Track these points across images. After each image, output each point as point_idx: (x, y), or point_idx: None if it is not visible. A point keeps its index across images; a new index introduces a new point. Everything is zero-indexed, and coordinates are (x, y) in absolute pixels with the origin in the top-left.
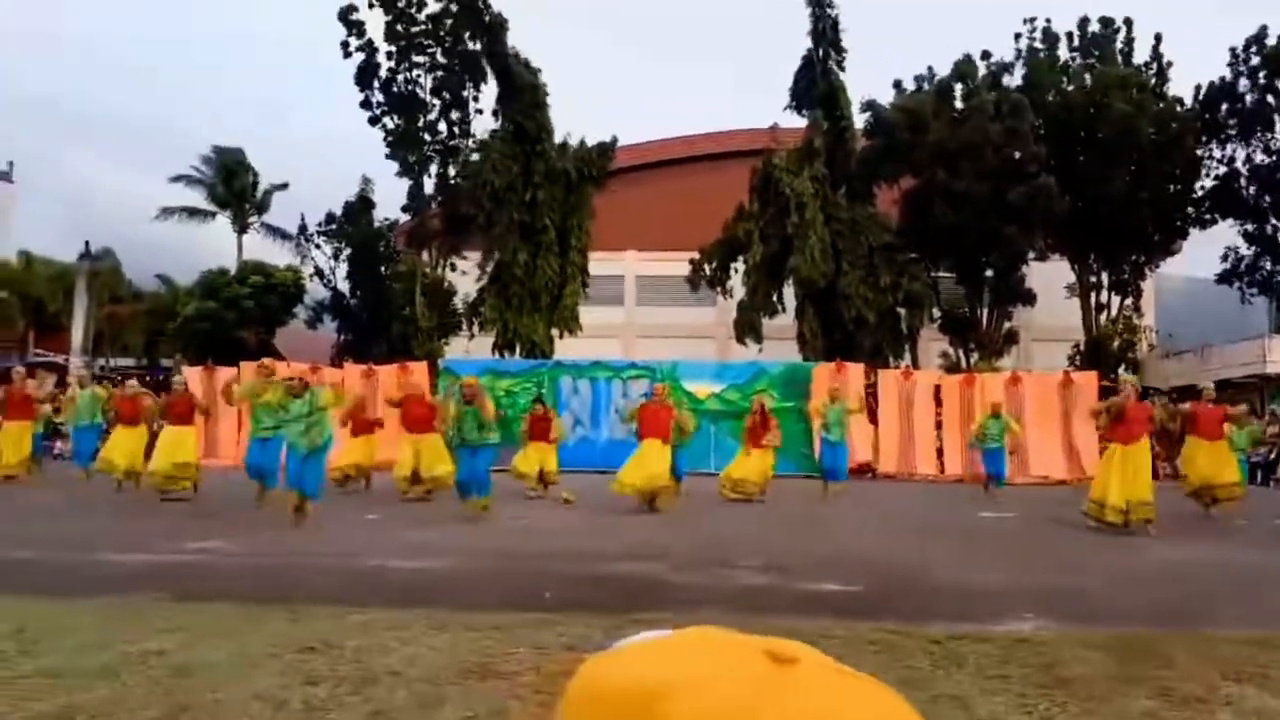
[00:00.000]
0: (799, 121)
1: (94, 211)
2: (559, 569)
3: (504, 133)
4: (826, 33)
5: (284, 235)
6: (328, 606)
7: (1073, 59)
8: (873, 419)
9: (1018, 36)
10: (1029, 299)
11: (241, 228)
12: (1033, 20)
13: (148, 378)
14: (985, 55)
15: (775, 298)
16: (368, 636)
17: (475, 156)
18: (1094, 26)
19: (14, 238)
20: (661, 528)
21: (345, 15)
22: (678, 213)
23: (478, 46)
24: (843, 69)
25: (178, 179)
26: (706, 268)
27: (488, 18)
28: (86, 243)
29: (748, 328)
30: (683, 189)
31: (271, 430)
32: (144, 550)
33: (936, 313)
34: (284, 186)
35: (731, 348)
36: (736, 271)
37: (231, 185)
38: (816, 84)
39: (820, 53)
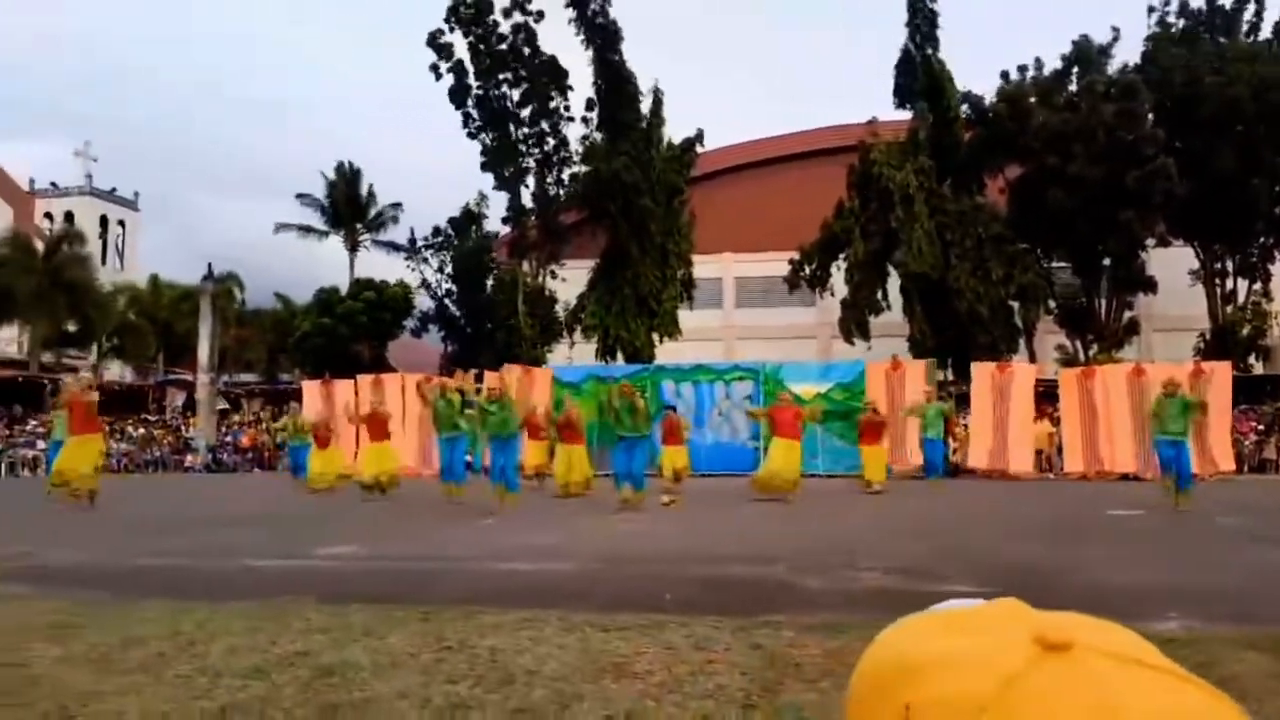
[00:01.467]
0: (895, 116)
1: (216, 236)
2: (678, 572)
3: (604, 141)
4: (922, 25)
5: (396, 247)
6: (459, 608)
7: (1199, 34)
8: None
9: (1150, 10)
10: (1150, 287)
11: (353, 246)
12: None
13: (269, 391)
14: (1115, 35)
15: (879, 295)
16: (501, 637)
17: (578, 165)
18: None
19: (141, 263)
20: (776, 529)
21: (433, 40)
22: (774, 213)
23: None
24: (939, 61)
25: (301, 196)
26: (806, 267)
27: (600, 21)
28: (209, 265)
29: (853, 326)
30: (778, 189)
31: (457, 431)
32: (282, 556)
33: (1052, 304)
34: (397, 206)
35: (834, 347)
36: (838, 269)
37: (346, 205)
38: (917, 77)
39: (918, 44)
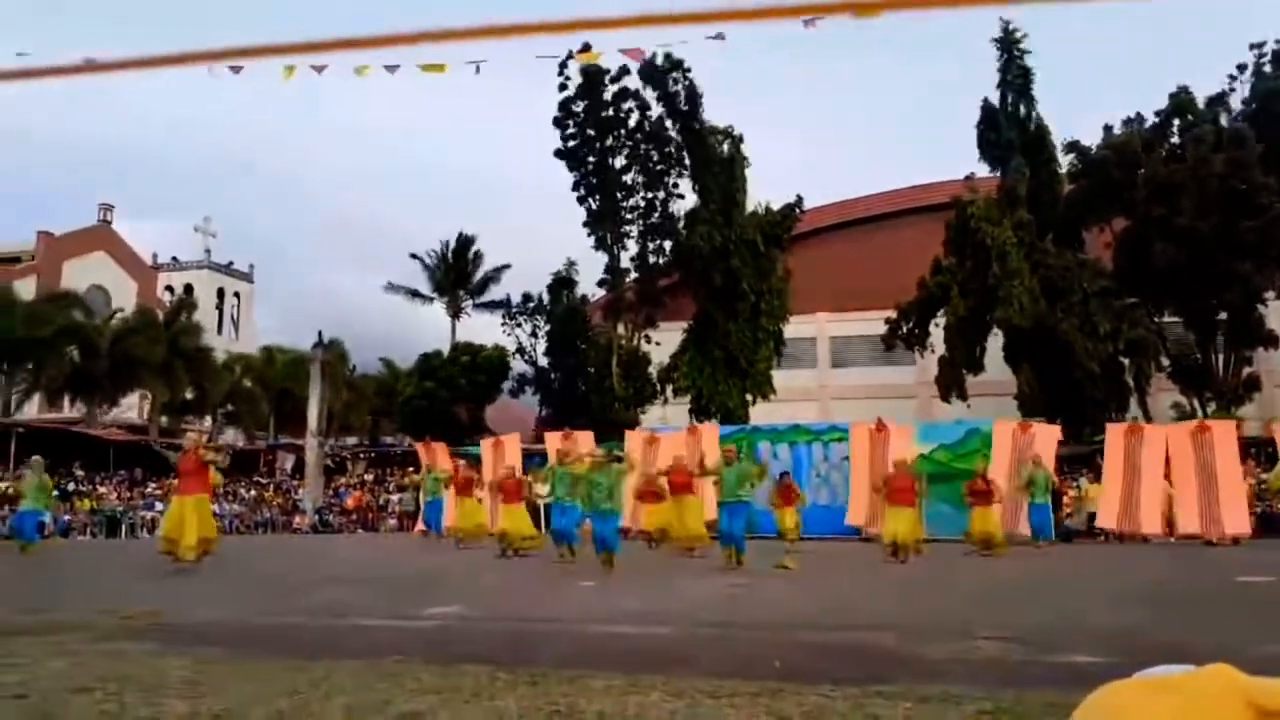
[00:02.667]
0: (989, 171)
1: (324, 304)
2: (786, 637)
3: (705, 207)
4: (1014, 81)
5: (495, 306)
6: (565, 671)
7: None
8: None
9: (1251, 60)
10: (1270, 341)
11: (455, 311)
12: (1260, 45)
13: (373, 454)
14: (1230, 83)
15: (979, 353)
16: (608, 701)
17: (681, 228)
18: None
19: (255, 331)
20: (886, 594)
21: (566, 107)
22: (867, 272)
23: (674, 125)
24: (1032, 116)
25: (414, 256)
26: (904, 325)
27: (676, 90)
28: (320, 333)
29: (952, 385)
30: (871, 247)
31: (571, 499)
32: (390, 616)
33: (1165, 361)
34: (503, 269)
35: (934, 407)
36: (936, 327)
37: (451, 271)
38: (1001, 131)
39: (1011, 100)
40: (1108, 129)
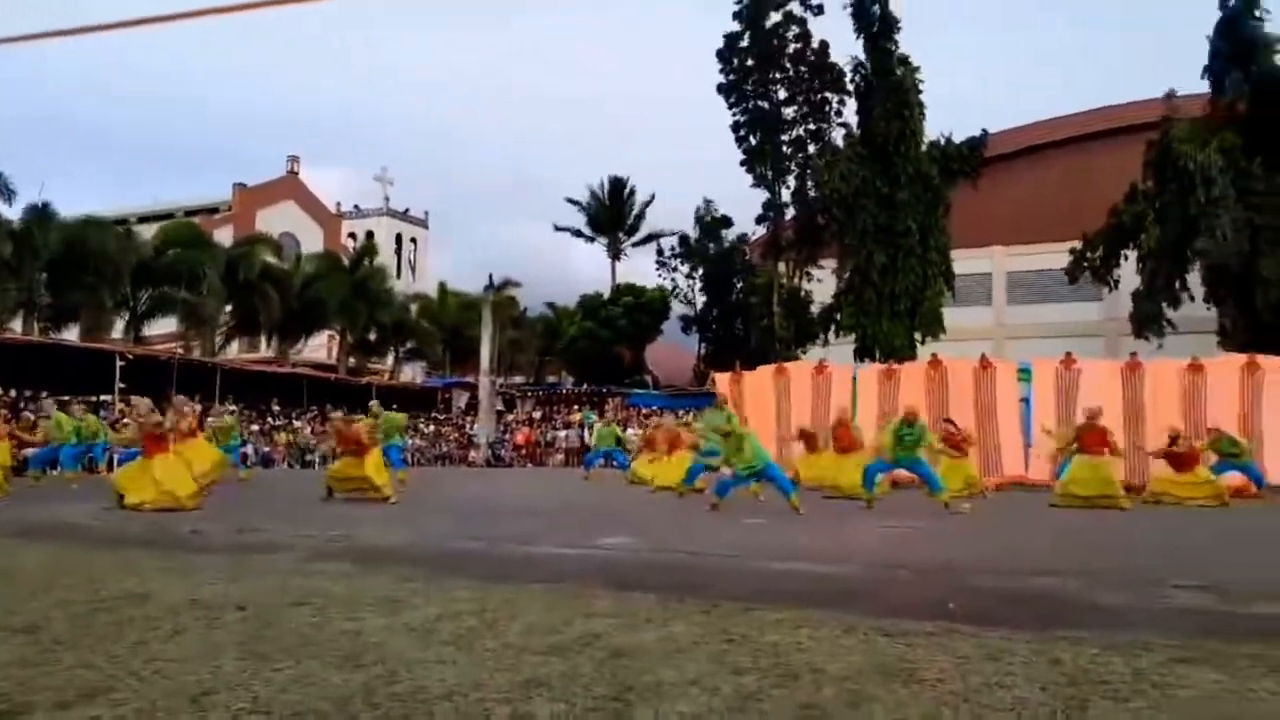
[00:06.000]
0: (1191, 89)
1: (494, 249)
2: (960, 580)
3: (853, 139)
4: None
5: (649, 239)
6: (737, 602)
7: None
8: None
9: None
10: None
11: (615, 254)
12: None
13: (540, 393)
14: None
15: (1179, 285)
16: (782, 634)
17: (826, 164)
18: None
19: (430, 275)
20: (1062, 541)
21: (729, 40)
22: (1049, 202)
23: (841, 55)
24: (1261, 18)
25: (571, 201)
26: (1089, 256)
27: (877, 11)
28: (490, 275)
29: (1148, 320)
30: (1054, 176)
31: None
32: (568, 545)
33: None
34: (650, 201)
35: (1122, 344)
36: (1125, 259)
37: (609, 211)
38: (1234, 41)
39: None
40: None
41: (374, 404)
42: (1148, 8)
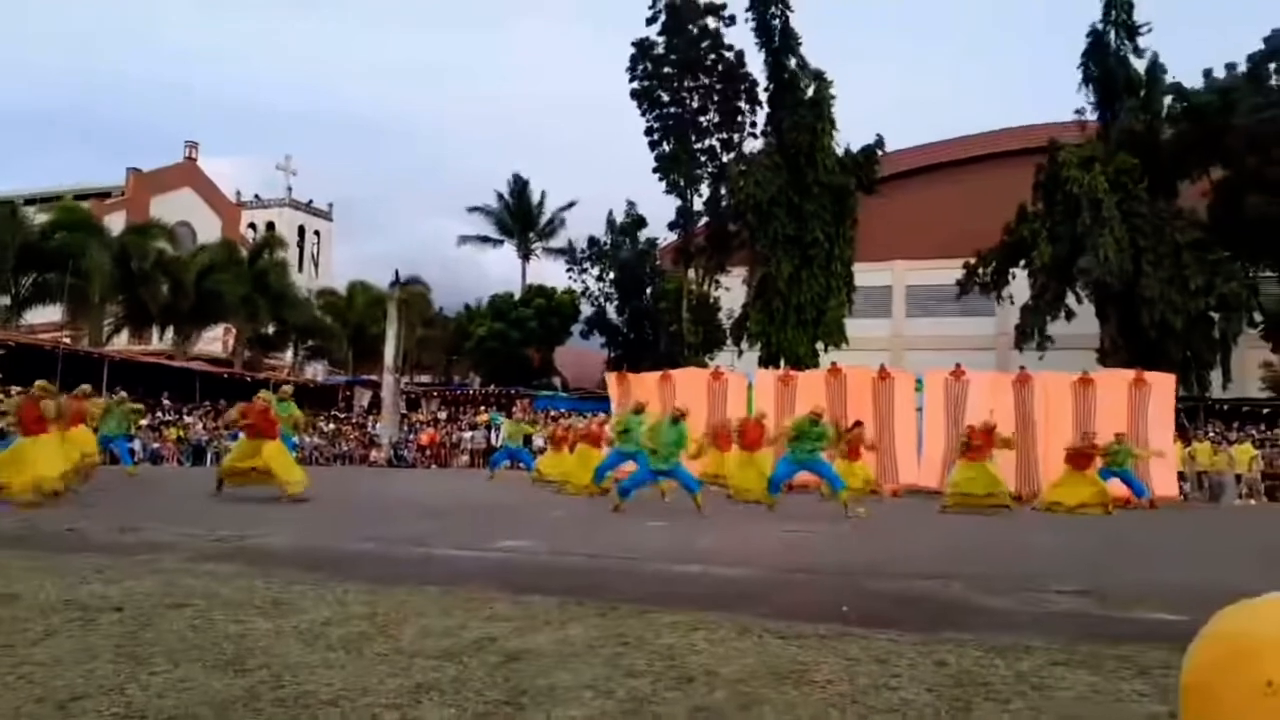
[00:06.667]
0: (1074, 117)
1: (401, 245)
2: (854, 583)
3: (770, 147)
4: (1119, 16)
5: (559, 252)
6: (634, 605)
7: None
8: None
9: None
10: None
11: (525, 254)
12: None
13: (446, 392)
14: None
15: (1063, 302)
16: (678, 636)
17: (741, 172)
18: None
19: (333, 269)
20: (953, 545)
21: (641, 45)
22: (949, 219)
23: (755, 66)
24: (1135, 53)
25: (473, 209)
26: (982, 271)
27: (777, 23)
28: (396, 271)
29: (1030, 333)
30: (954, 194)
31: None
32: (466, 547)
33: (1258, 318)
34: (570, 206)
35: (1014, 358)
36: (1014, 278)
37: (518, 214)
38: (1107, 69)
39: (1115, 38)
40: (1208, 74)
41: (286, 387)
42: (1042, 37)
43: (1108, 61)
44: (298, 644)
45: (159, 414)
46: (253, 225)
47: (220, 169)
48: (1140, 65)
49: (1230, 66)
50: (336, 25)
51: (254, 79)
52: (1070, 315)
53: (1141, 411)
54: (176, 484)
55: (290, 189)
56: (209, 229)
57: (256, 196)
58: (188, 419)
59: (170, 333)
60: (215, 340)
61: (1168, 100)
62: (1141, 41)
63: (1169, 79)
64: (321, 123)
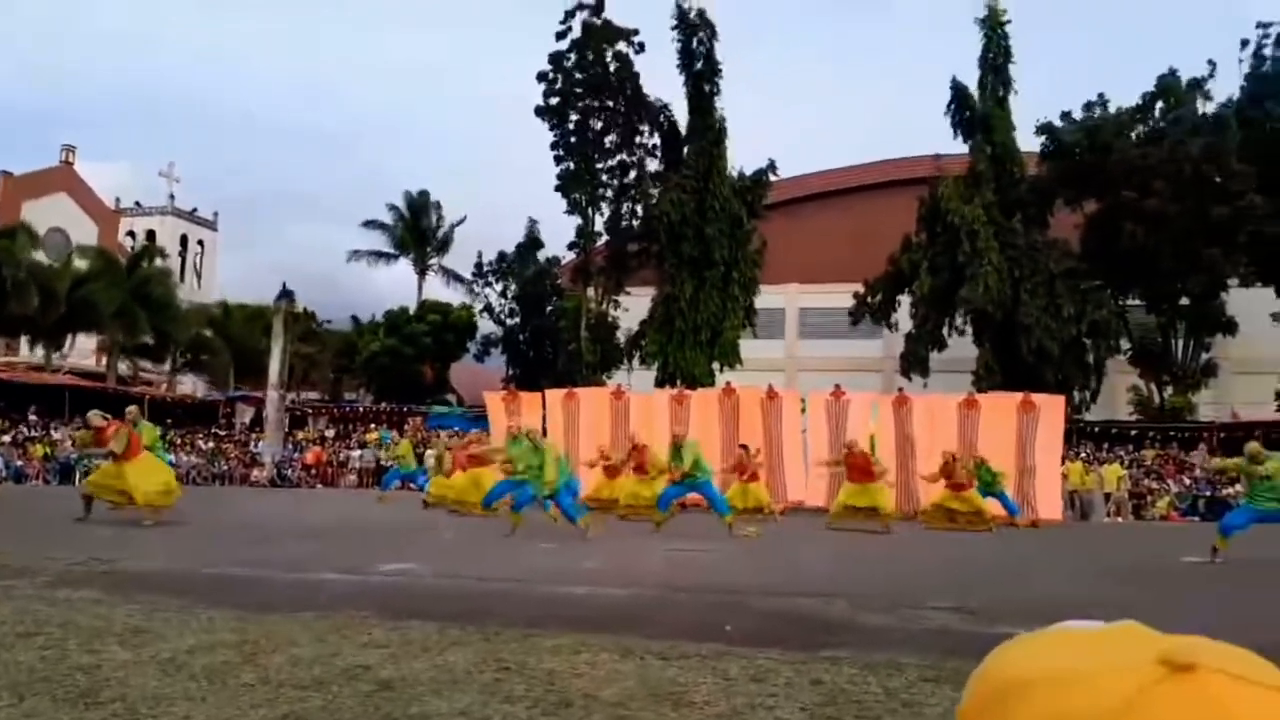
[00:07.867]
0: (962, 149)
1: (291, 257)
2: (736, 602)
3: (686, 169)
4: (996, 59)
5: (458, 278)
6: (516, 629)
7: None
8: None
9: (1244, 44)
10: (1229, 328)
11: (421, 270)
12: (1267, 25)
13: (334, 410)
14: (1211, 69)
15: (945, 330)
16: (558, 660)
17: (655, 193)
18: None
19: (218, 281)
20: (837, 564)
21: (555, 59)
22: (841, 244)
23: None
24: (1011, 92)
25: (368, 223)
26: (870, 300)
27: (702, 50)
28: (283, 283)
29: (915, 360)
30: (845, 220)
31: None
32: (346, 571)
33: (1126, 344)
34: (462, 221)
35: (899, 380)
36: (899, 305)
37: (415, 229)
38: (974, 109)
39: (988, 79)
40: (1065, 116)
41: (132, 409)
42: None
43: (973, 102)
44: (157, 674)
45: (24, 429)
46: (131, 233)
47: (100, 175)
48: (1013, 103)
49: (1088, 106)
50: (229, 24)
51: (137, 82)
52: (943, 346)
53: (1030, 435)
54: (41, 503)
55: (173, 196)
56: (85, 236)
57: (137, 203)
58: (55, 435)
59: (39, 345)
60: (89, 353)
61: (1040, 140)
62: (1022, 83)
63: (1043, 118)
64: (209, 127)
